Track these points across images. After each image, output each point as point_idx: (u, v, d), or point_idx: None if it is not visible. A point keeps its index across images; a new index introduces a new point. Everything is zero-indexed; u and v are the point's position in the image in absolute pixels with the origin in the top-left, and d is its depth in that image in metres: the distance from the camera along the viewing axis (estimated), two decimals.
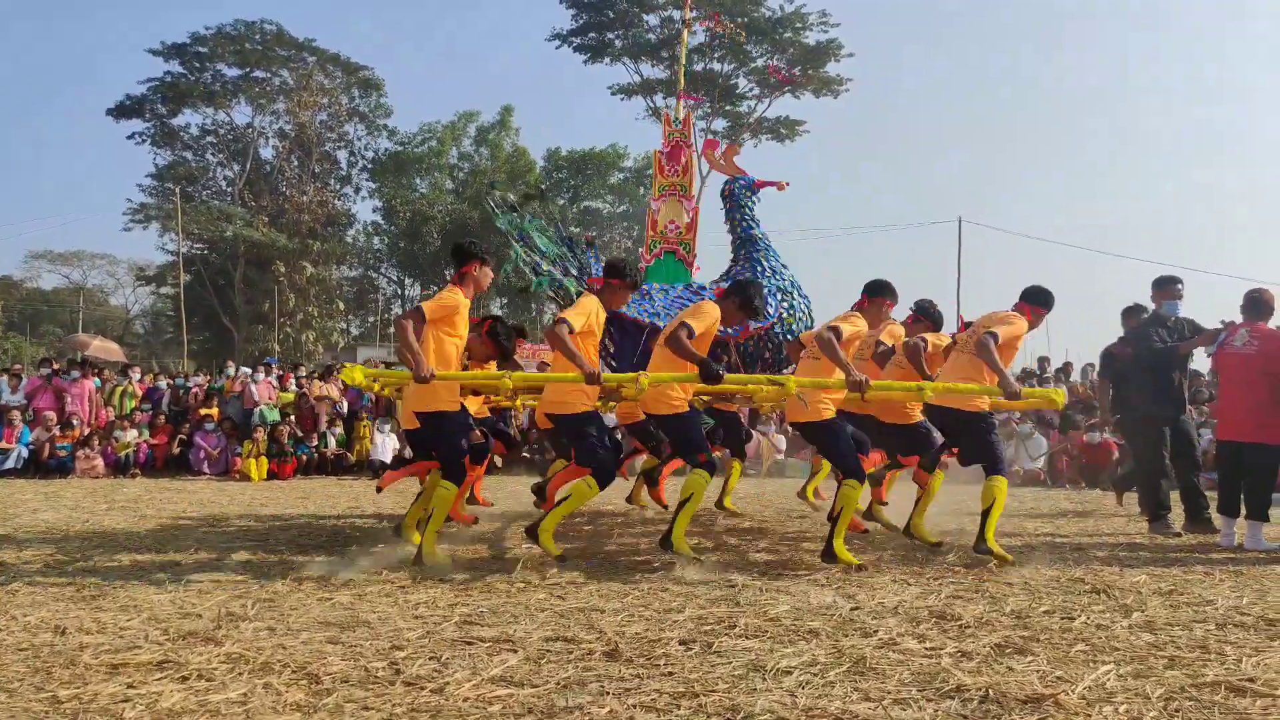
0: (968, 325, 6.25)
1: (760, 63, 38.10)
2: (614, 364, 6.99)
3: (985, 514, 5.57)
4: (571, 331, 5.33)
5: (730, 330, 6.47)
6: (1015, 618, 4.05)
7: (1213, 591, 4.67)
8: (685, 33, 11.34)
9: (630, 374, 5.43)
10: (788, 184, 7.93)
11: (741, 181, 7.66)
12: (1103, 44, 76.77)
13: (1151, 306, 7.41)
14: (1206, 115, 73.34)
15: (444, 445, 5.55)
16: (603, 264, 6.89)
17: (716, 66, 37.64)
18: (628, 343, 6.74)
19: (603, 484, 5.55)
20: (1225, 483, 6.58)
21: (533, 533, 5.51)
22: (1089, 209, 69.88)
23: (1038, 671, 3.22)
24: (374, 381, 5.93)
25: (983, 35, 78.06)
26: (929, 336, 6.42)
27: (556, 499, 5.82)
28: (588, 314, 5.52)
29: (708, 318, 5.58)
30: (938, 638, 3.68)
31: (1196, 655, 3.44)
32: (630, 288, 5.87)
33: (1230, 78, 74.24)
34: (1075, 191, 70.64)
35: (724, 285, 7.03)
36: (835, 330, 5.49)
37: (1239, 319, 6.65)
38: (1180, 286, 7.30)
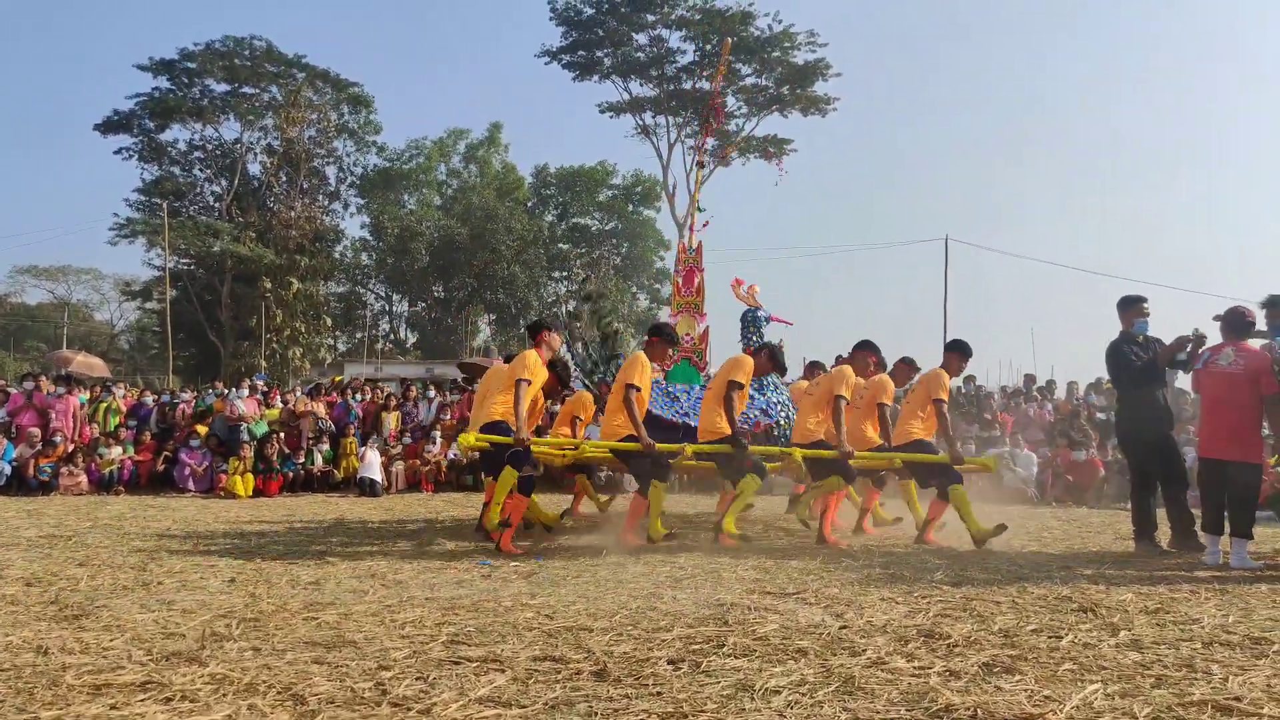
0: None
1: (749, 81, 38.38)
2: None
3: (964, 516, 7.29)
4: (638, 392, 7.01)
5: (748, 424, 8.49)
6: (1003, 636, 4.05)
7: (1199, 610, 4.68)
8: (699, 173, 12.29)
9: (677, 445, 7.28)
10: (793, 323, 10.15)
11: (760, 313, 9.36)
12: (1093, 60, 77.42)
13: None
14: (1197, 127, 73.89)
15: (639, 462, 7.16)
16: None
17: (705, 85, 37.85)
18: (669, 438, 7.80)
19: (664, 479, 7.19)
20: (1209, 500, 6.62)
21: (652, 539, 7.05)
22: (1078, 227, 70.35)
23: (1026, 691, 3.22)
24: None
25: (972, 52, 78.75)
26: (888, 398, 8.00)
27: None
28: (645, 373, 7.16)
29: (747, 370, 7.35)
30: (926, 657, 3.68)
31: (1183, 674, 3.45)
32: (670, 343, 7.64)
33: (1222, 89, 74.87)
34: (1064, 210, 71.11)
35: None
36: (842, 400, 7.36)
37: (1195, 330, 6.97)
38: (1146, 305, 7.39)
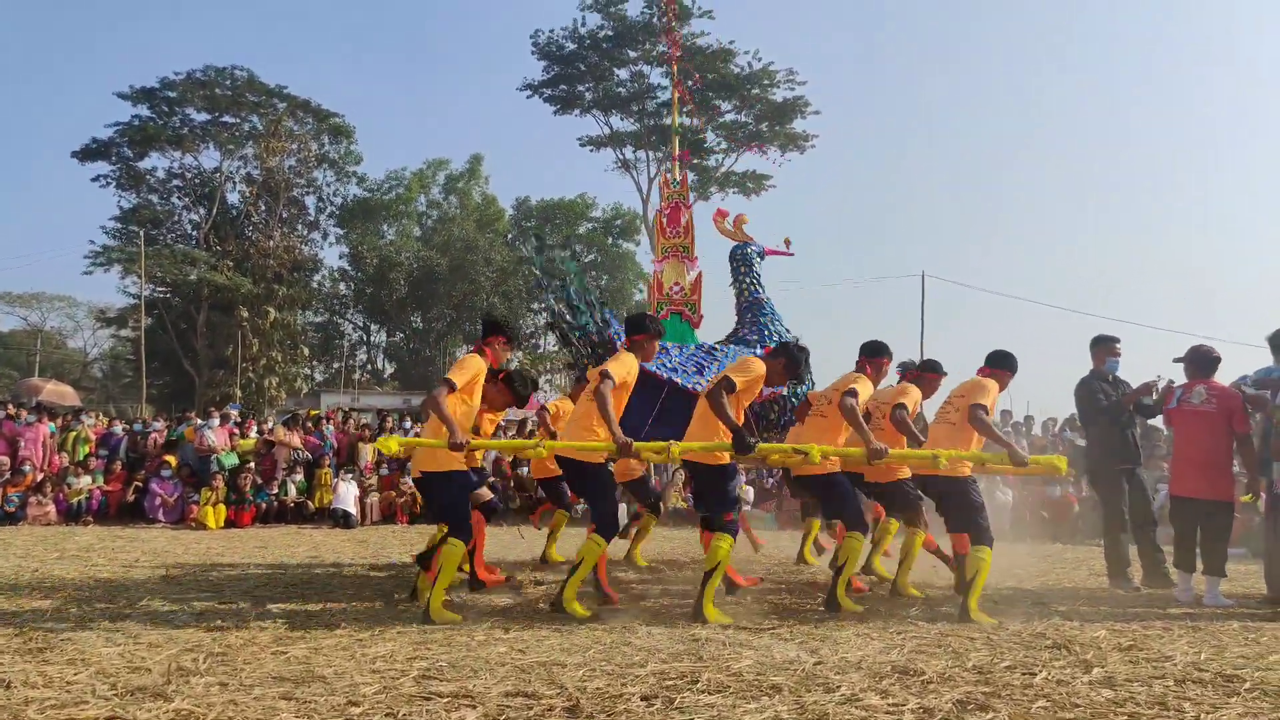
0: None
1: (729, 118, 38.79)
2: (631, 420, 6.42)
3: (969, 583, 5.62)
4: (614, 386, 5.48)
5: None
6: (977, 673, 4.05)
7: (1171, 647, 4.70)
8: (675, 95, 11.00)
9: (661, 444, 5.53)
10: (793, 254, 8.29)
11: (753, 247, 7.86)
12: (1068, 97, 78.65)
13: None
14: (1176, 167, 74.90)
15: (448, 504, 5.63)
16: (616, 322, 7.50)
17: (686, 121, 38.19)
18: (646, 397, 6.54)
19: (608, 538, 5.69)
20: (1182, 538, 6.67)
21: (556, 604, 5.50)
22: (1052, 263, 71.09)
23: None
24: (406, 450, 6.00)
25: (948, 91, 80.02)
26: (909, 401, 6.42)
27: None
28: (628, 369, 5.68)
29: (752, 374, 5.61)
30: (900, 693, 3.67)
31: (1155, 712, 3.46)
32: (655, 337, 5.99)
33: (1200, 134, 76.03)
34: (1039, 246, 71.87)
35: (734, 345, 7.41)
36: (854, 394, 5.70)
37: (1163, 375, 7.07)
38: (1118, 345, 7.51)
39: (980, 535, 5.75)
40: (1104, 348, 7.49)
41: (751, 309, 7.67)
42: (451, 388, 5.46)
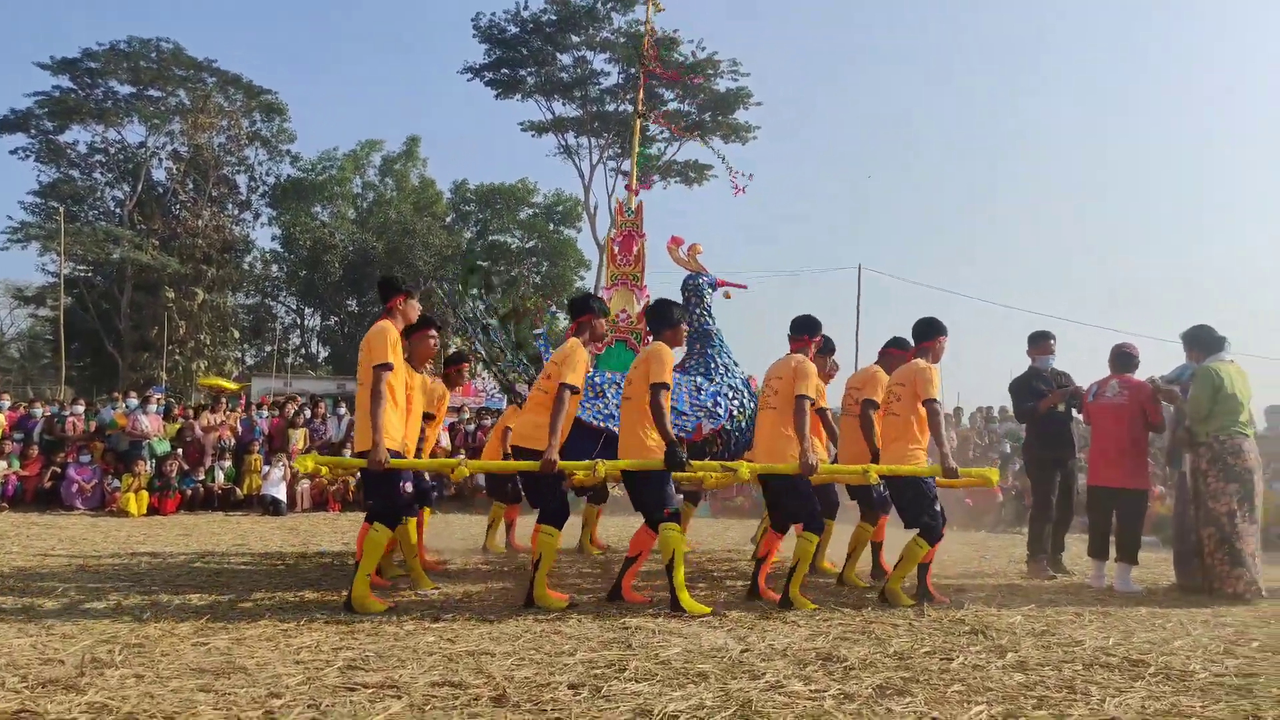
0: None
1: (672, 106, 38.80)
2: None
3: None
4: (575, 393, 5.48)
5: (685, 432, 6.58)
6: (898, 659, 4.15)
7: (1082, 632, 4.88)
8: (638, 123, 10.56)
9: (588, 462, 5.57)
10: (746, 286, 7.95)
11: (705, 279, 7.51)
12: (1003, 93, 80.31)
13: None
14: (1106, 161, 76.88)
15: (379, 491, 5.42)
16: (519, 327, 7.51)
17: (628, 108, 38.12)
18: (586, 445, 6.32)
19: (557, 526, 5.51)
20: (1096, 527, 6.94)
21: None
22: (982, 259, 72.73)
23: (915, 713, 3.31)
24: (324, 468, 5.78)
25: (887, 86, 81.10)
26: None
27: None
28: (585, 369, 5.64)
29: (669, 363, 5.57)
30: (823, 680, 3.74)
31: (1063, 695, 3.59)
32: (600, 314, 5.87)
33: (1129, 122, 78.17)
34: (971, 242, 73.43)
35: (680, 375, 6.95)
36: (806, 399, 5.66)
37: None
38: (1053, 342, 7.81)
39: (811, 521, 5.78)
40: (1038, 345, 7.81)
41: (700, 340, 7.30)
42: (387, 369, 5.26)
